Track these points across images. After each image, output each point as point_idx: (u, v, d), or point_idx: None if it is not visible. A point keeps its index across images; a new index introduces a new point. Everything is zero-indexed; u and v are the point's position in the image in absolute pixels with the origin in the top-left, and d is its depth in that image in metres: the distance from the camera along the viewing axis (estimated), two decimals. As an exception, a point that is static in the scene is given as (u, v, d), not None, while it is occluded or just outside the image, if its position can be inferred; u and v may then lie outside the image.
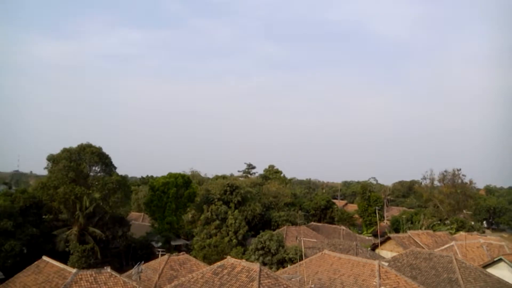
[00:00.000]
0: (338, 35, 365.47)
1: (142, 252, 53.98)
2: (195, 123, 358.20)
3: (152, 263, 39.04)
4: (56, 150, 52.96)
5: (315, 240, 54.91)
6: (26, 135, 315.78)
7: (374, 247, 55.97)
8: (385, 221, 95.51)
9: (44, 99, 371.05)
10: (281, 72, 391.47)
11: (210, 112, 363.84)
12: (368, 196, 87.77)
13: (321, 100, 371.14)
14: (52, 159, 50.79)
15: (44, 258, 35.38)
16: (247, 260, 36.30)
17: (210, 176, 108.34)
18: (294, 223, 67.58)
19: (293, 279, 29.94)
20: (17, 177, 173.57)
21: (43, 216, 48.44)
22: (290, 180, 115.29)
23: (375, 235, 72.33)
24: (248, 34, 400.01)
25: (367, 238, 71.33)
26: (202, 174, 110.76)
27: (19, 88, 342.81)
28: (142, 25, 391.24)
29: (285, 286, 28.15)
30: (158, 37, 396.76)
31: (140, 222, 73.10)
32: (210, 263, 41.56)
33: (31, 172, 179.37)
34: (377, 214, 74.03)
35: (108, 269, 31.41)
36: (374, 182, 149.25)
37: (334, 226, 76.50)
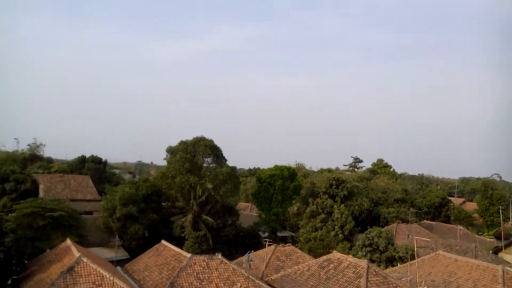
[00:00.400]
0: (444, 18, 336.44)
1: (250, 241, 55.86)
2: (299, 115, 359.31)
3: (260, 252, 40.17)
4: (174, 142, 57.08)
5: (428, 240, 51.60)
6: (147, 129, 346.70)
7: (496, 251, 50.96)
8: (510, 222, 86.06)
9: (161, 97, 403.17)
10: (385, 61, 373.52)
11: (315, 104, 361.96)
12: (490, 194, 79.90)
13: (433, 89, 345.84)
14: (170, 150, 55.02)
15: (163, 242, 38.50)
16: (353, 256, 35.54)
17: (315, 169, 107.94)
18: (404, 221, 64.40)
19: (403, 279, 28.53)
20: (140, 167, 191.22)
21: (162, 203, 52.58)
22: (401, 175, 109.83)
23: (497, 237, 65.59)
24: (352, 23, 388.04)
25: (488, 240, 65.23)
26: (307, 167, 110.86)
27: (140, 87, 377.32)
28: (246, 20, 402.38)
29: (394, 285, 26.99)
30: (263, 31, 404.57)
31: (248, 212, 75.65)
32: (315, 257, 41.46)
33: (151, 162, 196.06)
34: (500, 214, 67.05)
35: (219, 256, 33.06)
36: (497, 179, 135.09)
37: (449, 225, 71.33)
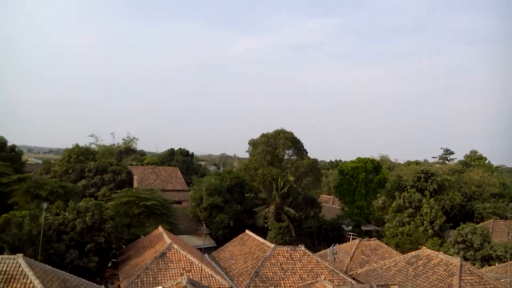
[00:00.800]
0: None
1: (333, 234, 55.24)
2: (384, 107, 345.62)
3: (343, 245, 39.55)
4: (256, 135, 58.14)
5: (530, 238, 47.10)
6: (230, 123, 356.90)
7: None
8: None
9: (240, 92, 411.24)
10: (477, 44, 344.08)
11: (398, 95, 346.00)
12: None
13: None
14: (252, 143, 56.11)
15: (247, 232, 39.44)
16: (445, 253, 33.55)
17: (401, 162, 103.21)
18: (503, 217, 59.34)
19: (502, 280, 26.41)
20: (224, 159, 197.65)
21: (245, 194, 53.84)
22: (497, 167, 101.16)
23: None
24: (443, 5, 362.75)
25: None
26: (392, 159, 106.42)
27: (219, 83, 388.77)
28: (326, 12, 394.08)
29: (491, 286, 25.07)
30: (342, 22, 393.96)
31: (330, 205, 74.80)
32: (402, 252, 39.89)
33: (234, 155, 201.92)
34: None
35: (302, 247, 33.11)
36: None
37: (556, 223, 64.32)
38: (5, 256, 21.93)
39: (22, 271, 20.61)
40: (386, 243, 44.48)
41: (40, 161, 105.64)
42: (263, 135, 55.76)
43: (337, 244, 36.63)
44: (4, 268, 20.66)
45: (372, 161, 65.19)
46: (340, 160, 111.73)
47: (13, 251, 26.05)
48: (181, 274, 27.24)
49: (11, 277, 20.30)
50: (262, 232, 45.84)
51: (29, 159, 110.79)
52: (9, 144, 60.51)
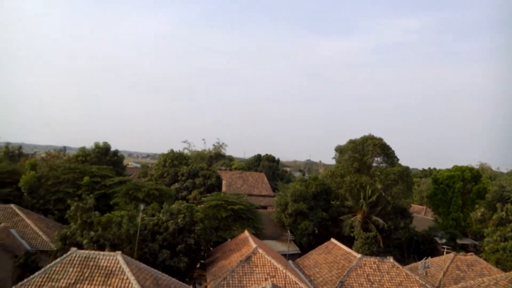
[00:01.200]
0: None
1: (425, 246, 52.14)
2: (485, 110, 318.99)
3: (436, 259, 37.18)
4: (342, 141, 57.09)
5: None
6: (316, 129, 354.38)
7: None
8: None
9: (329, 96, 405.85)
10: None
11: (503, 96, 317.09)
12: None
13: None
14: (339, 149, 55.15)
15: (332, 240, 38.81)
16: (556, 274, 29.96)
17: (504, 171, 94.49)
18: None
19: None
20: (309, 165, 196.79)
21: (331, 202, 52.98)
22: None
23: None
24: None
25: None
26: (494, 168, 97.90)
27: (305, 88, 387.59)
28: (417, 11, 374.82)
29: None
30: (436, 21, 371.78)
31: (422, 216, 70.77)
32: (504, 270, 36.41)
33: (320, 161, 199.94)
34: None
35: (391, 259, 31.75)
36: None
37: None
38: (106, 252, 24.02)
39: (120, 267, 22.39)
40: (485, 259, 40.87)
41: (138, 165, 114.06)
42: (350, 141, 54.56)
43: (429, 257, 34.59)
44: (105, 264, 22.62)
45: (471, 169, 60.50)
46: (434, 168, 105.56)
47: (113, 248, 28.37)
48: (266, 279, 27.59)
49: (110, 272, 22.15)
50: (348, 241, 44.78)
51: (129, 163, 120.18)
52: (112, 149, 66.28)
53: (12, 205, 39.29)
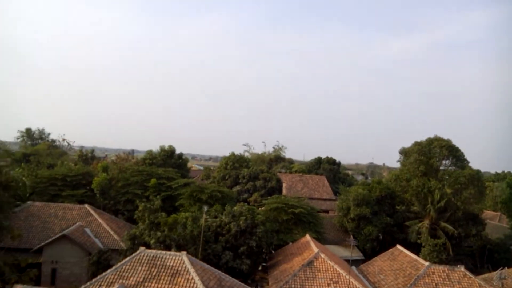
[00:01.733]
0: None
1: (500, 256, 48.77)
2: None
3: (513, 270, 34.63)
4: (406, 143, 55.03)
5: None
6: (379, 129, 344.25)
7: None
8: None
9: (386, 94, 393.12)
10: None
11: None
12: None
13: None
14: (403, 152, 53.21)
15: (398, 246, 37.44)
16: None
17: None
18: None
19: None
20: (372, 168, 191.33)
21: (396, 207, 51.21)
22: None
23: None
24: None
25: None
26: None
27: (363, 85, 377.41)
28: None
29: None
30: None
31: (496, 223, 66.22)
32: None
33: (383, 164, 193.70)
34: None
35: (462, 268, 30.06)
36: None
37: None
38: (172, 252, 24.86)
39: (185, 267, 23.07)
40: None
41: (201, 168, 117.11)
42: (415, 143, 52.47)
43: (505, 268, 32.30)
44: (171, 263, 23.40)
45: (552, 173, 55.88)
46: (509, 172, 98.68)
47: (178, 248, 29.31)
48: (328, 285, 27.18)
49: (176, 271, 22.89)
50: (414, 248, 42.98)
51: (193, 165, 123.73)
52: (177, 152, 68.63)
53: (86, 205, 41.82)
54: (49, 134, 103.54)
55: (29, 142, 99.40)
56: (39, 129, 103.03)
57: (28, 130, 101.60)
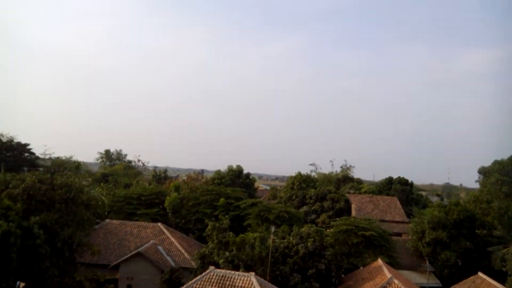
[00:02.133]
0: None
1: None
2: None
3: None
4: (486, 163, 51.56)
5: None
6: (456, 148, 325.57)
7: None
8: None
9: (470, 110, 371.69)
10: None
11: None
12: None
13: None
14: (483, 172, 49.87)
15: (480, 274, 34.76)
16: None
17: None
18: None
19: None
20: (448, 189, 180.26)
21: (476, 231, 47.83)
22: None
23: None
24: None
25: None
26: None
27: (442, 103, 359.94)
28: None
29: None
30: None
31: None
32: None
33: (461, 184, 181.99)
34: None
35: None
36: None
37: None
38: (240, 273, 24.98)
39: (253, 288, 23.02)
40: None
41: (268, 187, 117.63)
42: (496, 162, 48.96)
43: None
44: (240, 284, 23.48)
45: None
46: None
47: (246, 269, 29.38)
48: (403, 313, 25.74)
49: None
50: (499, 276, 39.49)
51: (260, 185, 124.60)
52: (245, 172, 69.62)
53: (160, 224, 43.50)
54: (125, 155, 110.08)
55: (107, 163, 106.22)
56: (117, 150, 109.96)
57: (107, 152, 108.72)
